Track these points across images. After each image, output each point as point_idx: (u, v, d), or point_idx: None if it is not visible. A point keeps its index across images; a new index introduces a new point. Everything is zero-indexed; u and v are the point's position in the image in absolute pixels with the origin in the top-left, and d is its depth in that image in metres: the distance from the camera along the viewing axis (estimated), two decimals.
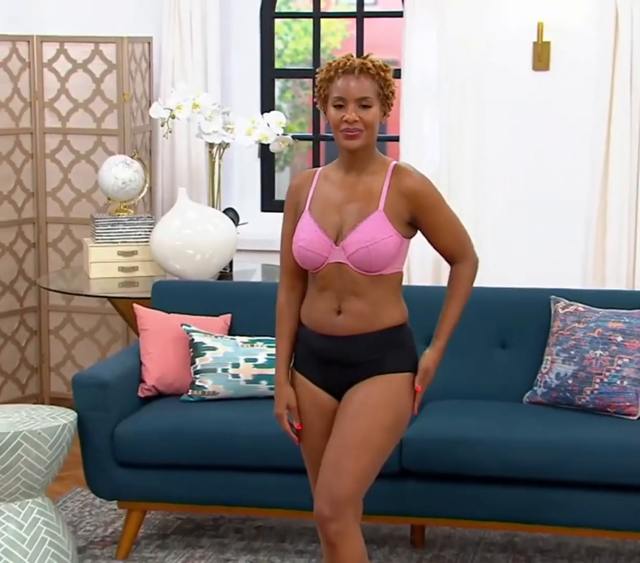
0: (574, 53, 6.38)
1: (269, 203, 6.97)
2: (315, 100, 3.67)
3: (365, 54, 3.64)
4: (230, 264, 6.10)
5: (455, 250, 3.72)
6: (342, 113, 3.55)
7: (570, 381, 4.85)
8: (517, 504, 4.60)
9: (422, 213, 3.63)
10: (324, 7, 6.86)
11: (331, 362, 3.68)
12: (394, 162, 3.68)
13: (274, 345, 4.96)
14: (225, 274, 6.07)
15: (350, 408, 3.63)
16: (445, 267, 3.87)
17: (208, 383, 4.98)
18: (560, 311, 5.00)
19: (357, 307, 3.63)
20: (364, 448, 3.61)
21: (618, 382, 4.78)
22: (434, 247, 3.72)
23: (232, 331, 5.22)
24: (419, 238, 3.75)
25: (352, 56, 3.61)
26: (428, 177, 3.71)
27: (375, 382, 3.65)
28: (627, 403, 4.77)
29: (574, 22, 6.35)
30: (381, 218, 3.59)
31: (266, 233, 6.69)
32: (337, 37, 7.22)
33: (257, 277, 6.29)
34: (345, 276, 3.62)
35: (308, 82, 6.98)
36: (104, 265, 6.17)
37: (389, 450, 3.69)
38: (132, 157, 6.35)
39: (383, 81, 3.58)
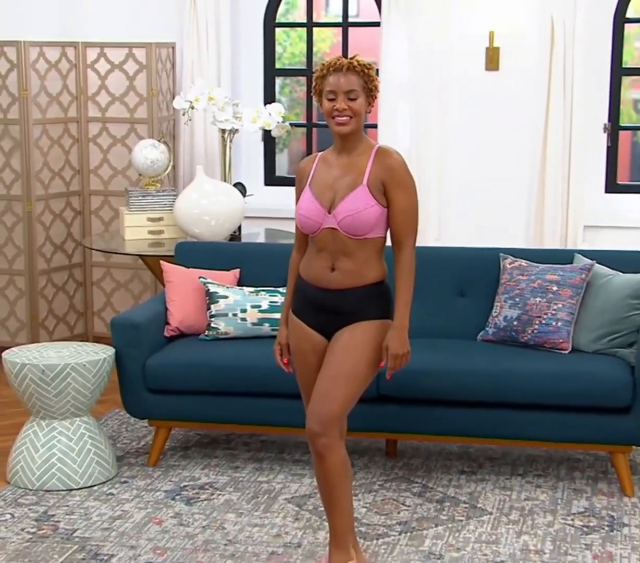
0: (519, 56, 6.39)
1: (270, 178, 6.95)
2: (312, 94, 3.67)
3: (352, 55, 3.64)
4: (239, 228, 6.09)
5: (402, 233, 3.63)
6: (333, 104, 3.56)
7: (515, 323, 4.83)
8: (471, 422, 4.61)
9: (391, 189, 3.59)
10: (315, 18, 6.84)
11: (324, 309, 3.68)
12: (378, 145, 3.66)
13: (275, 294, 4.99)
14: (235, 236, 6.06)
15: (338, 347, 3.64)
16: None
17: (221, 325, 4.96)
18: (508, 266, 4.98)
19: (347, 265, 3.62)
20: (349, 379, 3.61)
21: (553, 324, 4.77)
22: (389, 226, 3.65)
23: (240, 283, 5.19)
24: None
25: (341, 57, 3.62)
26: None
27: (358, 326, 3.64)
28: (561, 340, 4.76)
29: (519, 31, 6.36)
30: (365, 191, 3.58)
31: (268, 203, 6.71)
32: (327, 42, 7.17)
33: (261, 239, 6.27)
34: (337, 239, 3.61)
35: (303, 79, 6.94)
36: (136, 229, 6.17)
37: (368, 380, 3.69)
38: (159, 141, 6.36)
39: (367, 77, 3.58)
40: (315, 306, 3.70)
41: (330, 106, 3.56)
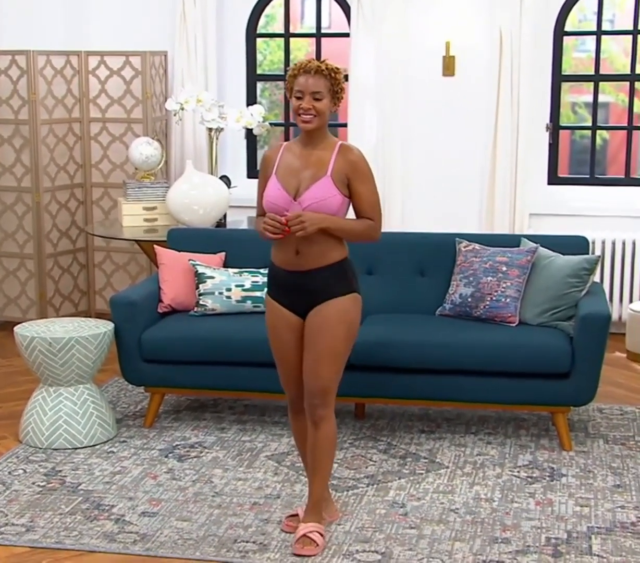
0: (472, 64, 6.37)
1: (252, 172, 6.90)
2: (285, 90, 3.59)
3: (323, 59, 3.55)
4: (225, 216, 6.03)
5: (368, 217, 3.59)
6: (300, 103, 3.49)
7: (469, 299, 4.82)
8: (430, 387, 4.61)
9: (357, 182, 3.54)
10: (292, 30, 6.79)
11: (295, 290, 3.61)
12: (340, 142, 3.60)
13: (256, 274, 4.96)
14: (221, 223, 6.01)
15: (314, 329, 3.57)
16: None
17: (208, 302, 4.92)
18: (463, 249, 4.96)
19: (310, 248, 3.55)
20: (332, 356, 3.58)
21: (503, 300, 4.76)
22: (355, 210, 3.61)
23: (226, 264, 5.15)
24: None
25: (313, 60, 3.54)
26: (366, 155, 3.64)
27: (329, 305, 3.57)
28: (509, 315, 4.76)
29: (472, 42, 6.35)
30: (328, 182, 3.52)
31: (251, 194, 6.51)
32: (302, 51, 7.11)
33: (244, 226, 6.23)
34: None
35: (281, 84, 6.91)
36: (133, 217, 6.12)
37: (348, 352, 3.66)
38: (153, 138, 6.31)
39: (334, 80, 3.50)
40: (287, 288, 3.63)
41: (297, 104, 3.49)
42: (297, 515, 3.78)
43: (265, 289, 3.82)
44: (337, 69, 3.52)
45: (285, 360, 3.69)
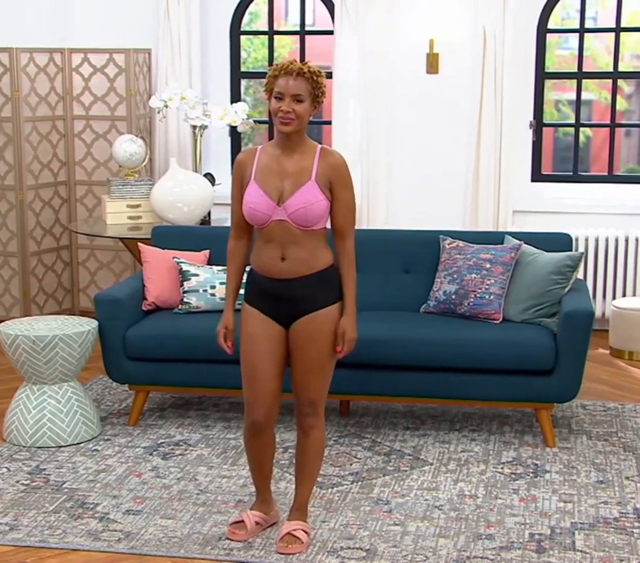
0: (456, 61, 6.37)
1: None
2: (263, 91, 3.49)
3: (305, 60, 3.47)
4: (209, 213, 6.03)
5: (346, 226, 3.51)
6: (280, 104, 3.38)
7: (453, 296, 4.83)
8: (415, 384, 4.61)
9: (338, 186, 3.47)
10: (276, 27, 6.78)
11: (279, 298, 3.51)
12: (320, 146, 3.52)
13: None
14: (205, 221, 6.00)
15: (306, 339, 3.50)
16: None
17: (193, 300, 4.92)
18: (447, 246, 4.96)
19: (297, 254, 3.46)
20: (320, 369, 3.54)
21: (487, 297, 4.77)
22: (331, 219, 3.53)
23: (210, 262, 5.14)
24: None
25: (295, 61, 3.43)
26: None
27: (319, 316, 3.49)
28: (493, 312, 4.76)
29: (455, 39, 6.35)
30: (314, 186, 3.44)
31: None
32: (286, 49, 7.10)
33: (228, 223, 6.17)
34: (286, 231, 3.45)
35: (265, 81, 6.89)
36: (117, 215, 6.11)
37: (334, 362, 3.61)
38: (137, 136, 6.30)
39: (315, 83, 3.40)
40: (270, 296, 3.51)
41: (276, 106, 3.38)
42: (242, 521, 3.71)
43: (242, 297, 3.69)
44: (320, 71, 3.42)
45: (261, 372, 3.55)
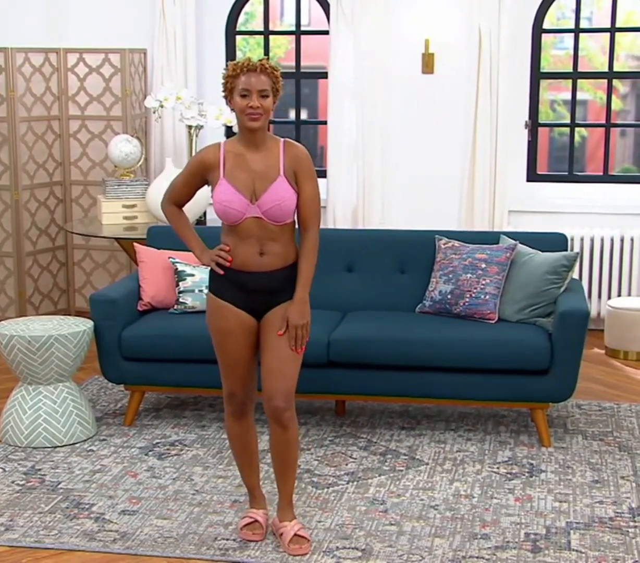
0: (451, 61, 6.38)
1: None
2: (223, 92, 3.49)
3: (261, 58, 3.50)
4: (204, 213, 6.03)
5: (310, 218, 3.55)
6: (247, 101, 3.42)
7: (448, 296, 4.83)
8: (410, 384, 4.61)
9: (302, 178, 3.51)
10: (271, 27, 6.78)
11: (255, 291, 3.55)
12: (283, 139, 3.56)
13: None
14: (200, 221, 6.01)
15: (275, 330, 3.55)
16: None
17: (188, 300, 4.92)
18: (442, 246, 4.97)
19: (275, 249, 3.52)
20: (293, 357, 3.56)
21: (482, 297, 4.77)
22: (297, 211, 3.56)
23: None
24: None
25: (251, 59, 3.47)
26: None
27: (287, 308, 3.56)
28: (488, 312, 4.76)
29: (451, 39, 6.35)
30: (283, 181, 3.49)
31: None
32: (282, 49, 7.10)
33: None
34: (262, 227, 3.50)
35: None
36: (112, 215, 6.11)
37: (301, 354, 3.62)
38: (132, 136, 6.29)
39: (275, 79, 3.46)
40: (245, 289, 3.55)
41: (244, 103, 3.42)
42: (256, 522, 3.73)
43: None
44: (277, 67, 3.49)
45: (239, 362, 3.62)
